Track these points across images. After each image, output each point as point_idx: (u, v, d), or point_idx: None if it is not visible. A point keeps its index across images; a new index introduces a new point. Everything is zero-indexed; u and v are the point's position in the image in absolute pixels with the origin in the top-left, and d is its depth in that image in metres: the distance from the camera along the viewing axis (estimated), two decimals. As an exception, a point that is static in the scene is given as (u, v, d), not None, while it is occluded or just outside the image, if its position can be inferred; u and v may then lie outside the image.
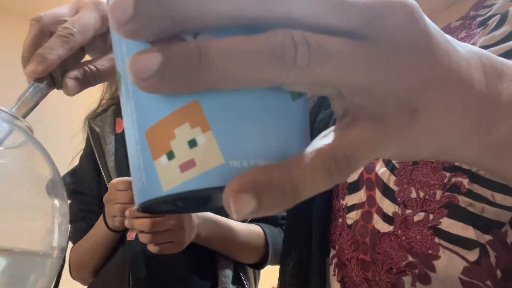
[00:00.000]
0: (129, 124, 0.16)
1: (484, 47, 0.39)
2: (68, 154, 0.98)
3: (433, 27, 0.17)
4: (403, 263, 0.37)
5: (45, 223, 0.29)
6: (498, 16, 0.40)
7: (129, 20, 0.13)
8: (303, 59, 0.13)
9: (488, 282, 0.33)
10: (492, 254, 0.34)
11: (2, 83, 2.34)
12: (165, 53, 0.13)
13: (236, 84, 0.14)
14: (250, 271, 0.92)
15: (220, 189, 0.14)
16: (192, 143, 0.14)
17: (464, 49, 0.19)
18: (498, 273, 0.33)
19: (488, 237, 0.34)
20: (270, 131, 0.15)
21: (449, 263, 0.35)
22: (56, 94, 0.38)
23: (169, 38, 0.14)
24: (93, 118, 0.94)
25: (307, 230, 0.47)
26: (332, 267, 0.44)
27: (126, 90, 0.16)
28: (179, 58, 0.13)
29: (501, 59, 0.21)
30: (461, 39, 0.43)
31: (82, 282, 0.90)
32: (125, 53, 0.16)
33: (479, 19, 0.43)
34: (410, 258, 0.36)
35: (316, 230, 0.47)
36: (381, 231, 0.39)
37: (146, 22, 0.13)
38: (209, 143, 0.14)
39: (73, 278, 0.90)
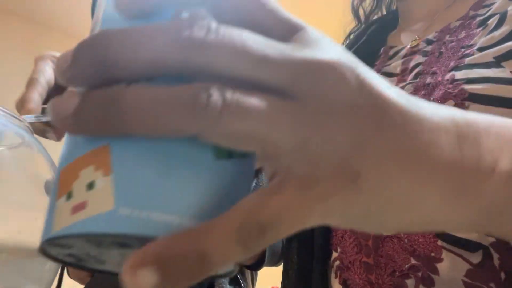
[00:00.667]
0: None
1: (484, 47, 0.39)
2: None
3: (379, 86, 0.15)
4: (406, 266, 0.37)
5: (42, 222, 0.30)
6: (497, 16, 0.40)
7: (68, 68, 0.14)
8: (214, 110, 0.13)
9: (492, 285, 0.33)
10: (495, 256, 0.34)
11: (2, 83, 2.35)
12: (82, 97, 0.14)
13: (144, 131, 0.14)
14: (248, 272, 0.92)
15: (106, 237, 0.14)
16: (90, 186, 0.14)
17: (433, 107, 0.17)
18: (502, 275, 0.33)
19: (491, 239, 0.34)
20: (173, 184, 0.14)
21: (452, 266, 0.35)
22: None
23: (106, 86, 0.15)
24: None
25: (308, 233, 0.47)
26: (333, 270, 0.44)
27: None
28: (93, 103, 0.14)
29: (477, 114, 0.19)
30: (461, 40, 0.42)
31: (79, 281, 0.90)
32: None
33: (478, 19, 0.43)
34: (413, 261, 0.36)
35: (318, 232, 0.46)
36: (384, 234, 0.39)
37: (81, 70, 0.14)
38: (106, 187, 0.14)
39: (70, 277, 0.90)
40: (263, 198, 0.14)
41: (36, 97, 0.38)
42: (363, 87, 0.15)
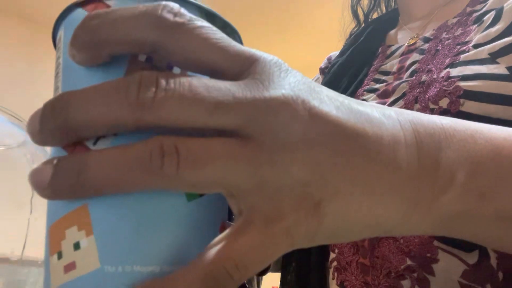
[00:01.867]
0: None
1: (480, 44, 0.38)
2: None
3: (332, 113, 0.15)
4: (402, 266, 0.36)
5: (44, 224, 0.30)
6: (493, 13, 0.39)
7: (37, 132, 0.15)
8: (171, 168, 0.14)
9: (488, 285, 0.32)
10: (493, 255, 0.33)
11: (2, 83, 2.39)
12: (54, 168, 0.15)
13: (113, 191, 0.14)
14: (254, 277, 0.91)
15: None
16: (76, 246, 0.15)
17: (395, 119, 0.17)
18: (500, 275, 0.32)
19: None
20: (151, 236, 0.15)
21: (448, 267, 0.34)
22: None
23: (75, 144, 0.16)
24: None
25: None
26: (331, 271, 0.44)
27: None
28: (63, 171, 0.15)
29: (443, 121, 0.19)
30: (458, 37, 0.42)
31: None
32: (48, 154, 0.17)
33: (474, 15, 0.42)
34: (409, 262, 0.36)
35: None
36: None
37: (49, 134, 0.15)
38: (90, 247, 0.15)
39: None
40: (228, 242, 0.15)
41: None
42: (316, 119, 0.15)
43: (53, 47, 0.20)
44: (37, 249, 0.30)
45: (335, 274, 0.43)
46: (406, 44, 0.49)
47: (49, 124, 0.15)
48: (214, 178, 0.14)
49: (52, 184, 0.15)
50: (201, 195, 0.16)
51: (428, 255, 0.35)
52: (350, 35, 0.66)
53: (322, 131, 0.15)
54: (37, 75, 2.65)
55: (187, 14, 0.15)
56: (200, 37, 0.15)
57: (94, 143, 0.15)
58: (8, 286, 0.28)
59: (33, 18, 2.74)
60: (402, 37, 0.52)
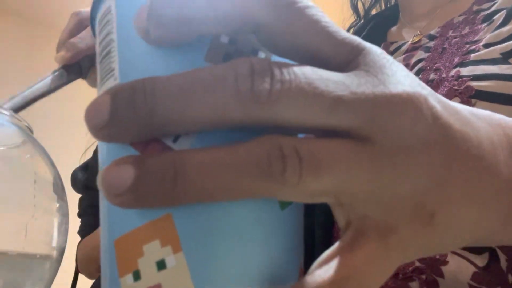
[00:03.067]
0: (101, 223, 0.15)
1: (490, 44, 0.38)
2: (81, 147, 0.96)
3: (446, 116, 0.14)
4: (410, 268, 0.36)
5: (44, 224, 0.29)
6: (503, 12, 0.39)
7: (105, 125, 0.12)
8: (294, 174, 0.12)
9: (499, 288, 0.32)
10: (502, 258, 0.33)
11: (2, 83, 2.32)
12: (139, 168, 0.12)
13: (216, 200, 0.12)
14: None
15: None
16: (161, 265, 0.13)
17: (485, 122, 0.16)
18: (510, 277, 0.32)
19: None
20: (252, 251, 0.13)
21: (458, 269, 0.34)
22: (72, 84, 0.40)
23: (148, 141, 0.13)
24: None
25: (309, 235, 0.46)
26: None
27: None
28: (153, 174, 0.12)
29: None
30: (466, 35, 0.41)
31: (89, 276, 0.89)
32: (104, 154, 0.15)
33: (482, 13, 0.42)
34: (417, 264, 0.35)
35: (319, 234, 0.45)
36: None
37: (122, 128, 0.12)
38: (179, 266, 0.12)
39: (80, 272, 0.89)
40: (344, 259, 0.13)
41: (86, 49, 0.37)
42: (436, 120, 0.14)
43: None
44: (37, 250, 0.29)
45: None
46: (410, 42, 0.48)
47: (124, 117, 0.12)
48: (335, 184, 0.12)
49: (136, 189, 0.12)
50: (291, 202, 0.14)
51: (437, 257, 0.35)
52: (348, 29, 0.65)
53: (440, 136, 0.14)
54: (36, 74, 2.60)
55: None
56: (311, 18, 0.13)
57: (175, 141, 0.13)
58: (7, 285, 0.27)
59: (35, 19, 2.68)
60: (405, 34, 0.52)
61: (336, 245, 0.14)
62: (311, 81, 0.12)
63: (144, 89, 0.12)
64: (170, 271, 0.12)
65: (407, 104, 0.13)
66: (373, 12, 0.63)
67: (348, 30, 0.65)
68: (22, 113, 0.33)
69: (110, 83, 0.14)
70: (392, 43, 0.51)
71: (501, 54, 0.36)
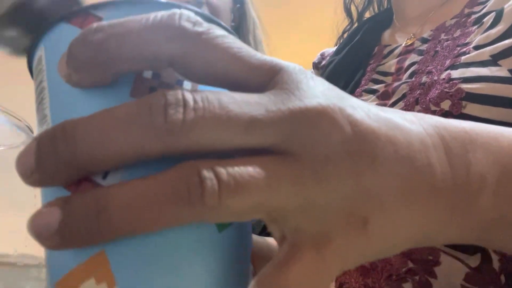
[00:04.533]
0: (45, 267, 0.15)
1: (480, 46, 0.38)
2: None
3: (368, 122, 0.14)
4: (403, 269, 0.36)
5: None
6: (493, 14, 0.39)
7: (32, 172, 0.13)
8: (213, 197, 0.12)
9: (491, 288, 0.32)
10: (495, 258, 0.33)
11: (3, 82, 2.32)
12: (64, 209, 0.12)
13: (141, 231, 0.12)
14: None
15: None
16: None
17: (418, 124, 0.16)
18: (502, 278, 0.32)
19: None
20: (189, 278, 0.13)
21: (450, 269, 0.34)
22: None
23: (80, 181, 0.13)
24: None
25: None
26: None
27: None
28: (77, 215, 0.12)
29: (462, 124, 0.18)
30: (457, 38, 0.42)
31: None
32: (42, 195, 0.15)
33: (473, 16, 0.42)
34: (411, 265, 0.36)
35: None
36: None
37: (49, 172, 0.13)
38: None
39: None
40: (281, 273, 0.13)
41: None
42: (355, 128, 0.14)
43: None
44: (38, 250, 0.29)
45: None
46: (403, 45, 0.48)
47: (48, 162, 0.12)
48: (258, 202, 0.13)
49: (62, 230, 0.12)
50: (230, 224, 0.14)
51: (430, 258, 0.35)
52: (343, 33, 0.65)
53: (361, 141, 0.14)
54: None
55: (204, 23, 0.14)
56: (221, 47, 0.14)
57: (104, 177, 0.13)
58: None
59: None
60: (398, 37, 0.52)
61: (272, 259, 0.14)
62: (225, 105, 0.12)
63: (65, 132, 0.12)
64: None
65: (321, 115, 0.13)
66: (367, 15, 0.63)
67: (342, 35, 0.65)
68: (23, 113, 0.33)
69: (43, 129, 0.15)
70: (385, 46, 0.52)
71: (491, 56, 0.37)
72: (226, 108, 0.12)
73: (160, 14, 0.13)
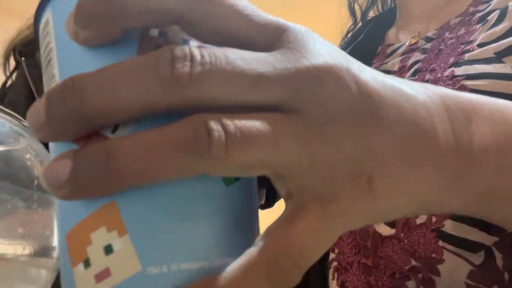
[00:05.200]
0: (55, 220, 0.15)
1: (484, 43, 0.38)
2: None
3: (373, 84, 0.14)
4: (406, 267, 0.36)
5: (44, 224, 0.29)
6: (497, 12, 0.39)
7: (43, 125, 0.13)
8: (220, 149, 0.12)
9: (495, 287, 0.32)
10: (498, 256, 0.33)
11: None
12: (73, 160, 0.13)
13: (149, 181, 0.13)
14: None
15: None
16: (108, 249, 0.13)
17: (423, 92, 0.16)
18: (506, 276, 0.32)
19: (494, 239, 0.33)
20: (196, 228, 0.13)
21: (454, 267, 0.34)
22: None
23: (89, 135, 0.14)
24: (26, 44, 0.79)
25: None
26: (331, 271, 0.43)
27: None
28: (87, 163, 0.12)
29: (467, 95, 0.18)
30: (461, 36, 0.42)
31: None
32: (52, 152, 0.15)
33: (478, 14, 0.42)
34: (414, 262, 0.35)
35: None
36: (383, 234, 0.38)
37: (59, 126, 0.13)
38: (126, 248, 0.13)
39: None
40: (287, 228, 0.13)
41: None
42: (360, 87, 0.14)
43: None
44: (37, 250, 0.29)
45: (335, 275, 0.43)
46: (407, 44, 0.48)
47: (59, 114, 0.13)
48: (264, 157, 0.13)
49: (72, 179, 0.12)
50: (236, 180, 0.15)
51: (434, 255, 0.35)
52: (347, 33, 0.65)
53: (367, 101, 0.14)
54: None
55: None
56: (227, 3, 0.14)
57: (113, 131, 0.13)
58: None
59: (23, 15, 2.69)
60: (402, 37, 0.52)
61: (280, 216, 0.14)
62: (231, 61, 0.13)
63: (73, 85, 0.13)
64: (117, 254, 0.13)
65: (328, 73, 0.13)
66: (371, 14, 0.63)
67: (346, 35, 0.66)
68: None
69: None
70: (389, 45, 0.52)
71: (495, 53, 0.36)
72: (233, 63, 0.13)
73: None
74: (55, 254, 0.30)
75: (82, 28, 0.14)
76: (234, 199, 0.14)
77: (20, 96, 0.80)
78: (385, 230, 0.38)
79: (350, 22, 0.65)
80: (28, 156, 0.31)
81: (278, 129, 0.13)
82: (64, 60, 0.15)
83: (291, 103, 0.13)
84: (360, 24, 0.62)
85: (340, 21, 0.65)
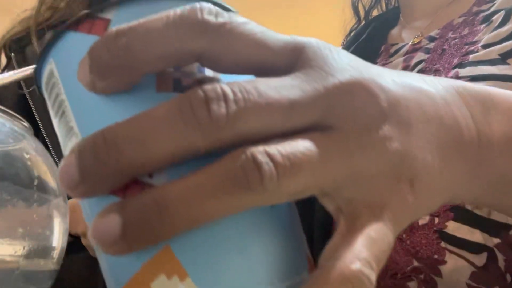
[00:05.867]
0: (105, 276, 0.15)
1: (489, 44, 0.38)
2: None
3: (396, 88, 0.15)
4: (408, 268, 0.36)
5: (44, 224, 0.29)
6: (502, 13, 0.39)
7: (77, 184, 0.12)
8: (272, 180, 0.12)
9: (497, 288, 0.32)
10: (500, 257, 0.33)
11: None
12: (123, 213, 0.12)
13: (203, 223, 0.12)
14: None
15: None
16: None
17: (438, 84, 0.17)
18: (508, 277, 0.32)
19: (496, 241, 0.33)
20: (255, 256, 0.13)
21: (456, 268, 0.34)
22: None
23: (126, 184, 0.13)
24: (16, 40, 0.76)
25: (308, 233, 0.46)
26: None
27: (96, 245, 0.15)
28: (138, 217, 0.12)
29: (478, 87, 0.19)
30: (465, 36, 0.42)
31: (83, 235, 0.86)
32: (87, 210, 0.15)
33: (482, 14, 0.42)
34: (416, 263, 0.35)
35: (318, 233, 0.45)
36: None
37: (95, 182, 0.13)
38: None
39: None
40: (350, 243, 0.13)
41: None
42: (387, 94, 0.14)
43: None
44: (37, 250, 0.29)
45: (337, 274, 0.43)
46: (410, 43, 0.48)
47: (93, 171, 0.12)
48: (313, 179, 0.13)
49: (125, 234, 0.12)
50: None
51: (436, 256, 0.35)
52: (350, 32, 0.65)
53: (395, 107, 0.14)
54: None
55: (224, 13, 0.14)
56: (245, 34, 0.14)
57: (150, 176, 0.13)
58: None
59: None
60: (405, 36, 0.52)
61: (336, 233, 0.14)
62: (263, 93, 0.13)
63: (105, 140, 0.12)
64: None
65: (357, 87, 0.14)
66: (374, 13, 0.63)
67: (349, 33, 0.65)
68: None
69: (73, 141, 0.15)
70: (392, 44, 0.51)
71: (499, 55, 0.36)
72: (265, 95, 0.12)
73: (179, 10, 0.13)
74: (55, 254, 0.29)
75: (99, 78, 0.13)
76: (281, 217, 0.14)
77: (9, 92, 0.79)
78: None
79: (354, 21, 0.64)
80: (28, 156, 0.30)
81: (321, 149, 0.13)
82: (81, 111, 0.14)
83: (326, 121, 0.13)
84: (363, 23, 0.62)
85: (344, 20, 0.65)
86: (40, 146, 0.31)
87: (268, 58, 0.14)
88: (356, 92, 0.14)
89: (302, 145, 0.13)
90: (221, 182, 0.12)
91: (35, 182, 0.30)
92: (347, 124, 0.14)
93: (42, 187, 0.30)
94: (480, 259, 0.33)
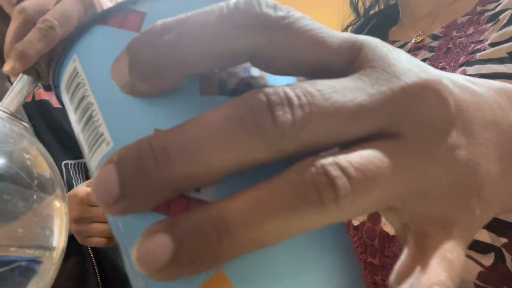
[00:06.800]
0: None
1: (496, 43, 0.38)
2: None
3: (457, 90, 0.14)
4: (415, 267, 0.36)
5: (44, 224, 0.29)
6: (509, 11, 0.39)
7: (117, 200, 0.11)
8: (347, 198, 0.11)
9: (505, 288, 0.32)
10: (508, 257, 0.33)
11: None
12: (174, 234, 0.11)
13: (268, 244, 0.11)
14: None
15: None
16: None
17: (488, 88, 0.16)
18: (515, 277, 0.32)
19: (503, 240, 0.33)
20: (314, 276, 0.12)
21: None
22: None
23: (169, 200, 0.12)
24: None
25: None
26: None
27: (131, 266, 0.13)
28: (193, 238, 0.10)
29: (507, 83, 0.18)
30: (471, 35, 0.41)
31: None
32: (121, 228, 0.13)
33: (487, 14, 0.42)
34: (423, 263, 0.35)
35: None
36: (390, 233, 0.37)
37: (139, 198, 0.11)
38: None
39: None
40: (423, 266, 0.12)
41: (37, 56, 0.29)
42: (454, 97, 0.13)
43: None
44: (37, 250, 0.29)
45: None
46: (413, 41, 0.48)
47: (137, 186, 0.11)
48: (384, 194, 0.11)
49: (177, 259, 0.10)
50: None
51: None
52: (347, 28, 0.65)
53: (460, 111, 0.13)
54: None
55: (281, 5, 0.12)
56: (303, 30, 0.12)
57: (197, 190, 0.12)
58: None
59: None
60: (406, 34, 0.51)
61: (405, 253, 0.13)
62: (327, 96, 0.11)
63: (153, 150, 0.11)
64: None
65: (426, 90, 0.13)
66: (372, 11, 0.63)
67: (346, 29, 0.65)
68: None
69: (103, 149, 0.13)
70: (394, 42, 0.51)
71: (508, 53, 0.36)
72: (330, 99, 0.11)
73: (233, 2, 0.12)
74: (55, 254, 0.29)
75: (140, 81, 0.12)
76: (336, 234, 0.13)
77: None
78: (392, 229, 0.37)
79: (352, 17, 0.64)
80: (28, 156, 0.30)
81: (392, 160, 0.12)
82: (113, 116, 0.13)
83: (392, 127, 0.12)
84: (362, 19, 0.62)
85: (343, 15, 0.65)
86: (40, 146, 0.31)
87: (325, 58, 0.13)
88: (426, 95, 0.12)
89: (373, 156, 0.11)
90: (288, 199, 0.10)
91: (35, 182, 0.29)
92: (416, 131, 0.12)
93: (42, 187, 0.30)
94: (488, 259, 0.33)
